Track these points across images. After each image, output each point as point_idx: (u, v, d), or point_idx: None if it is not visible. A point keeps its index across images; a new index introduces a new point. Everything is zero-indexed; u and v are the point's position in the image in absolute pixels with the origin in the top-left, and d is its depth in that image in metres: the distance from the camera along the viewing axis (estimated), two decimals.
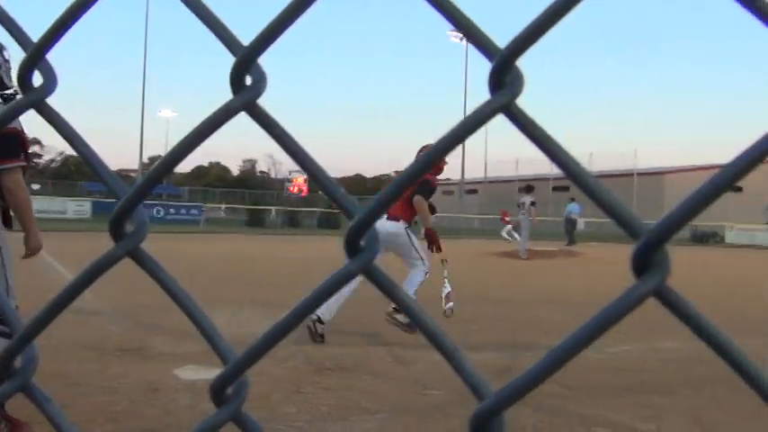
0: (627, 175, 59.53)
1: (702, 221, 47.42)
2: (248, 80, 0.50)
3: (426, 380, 4.82)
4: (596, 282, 12.31)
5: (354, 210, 0.47)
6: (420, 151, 5.69)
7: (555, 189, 54.88)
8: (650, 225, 0.40)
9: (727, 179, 0.40)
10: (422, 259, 6.49)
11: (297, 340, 5.83)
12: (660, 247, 0.40)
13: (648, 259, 0.40)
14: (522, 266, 17.06)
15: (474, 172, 75.53)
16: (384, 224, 6.07)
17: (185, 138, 0.50)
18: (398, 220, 6.33)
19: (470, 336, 6.56)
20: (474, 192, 73.09)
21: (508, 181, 65.79)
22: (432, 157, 0.45)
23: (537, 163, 54.57)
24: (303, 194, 60.32)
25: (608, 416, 4.16)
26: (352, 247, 0.46)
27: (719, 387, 4.61)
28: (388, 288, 0.48)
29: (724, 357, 0.40)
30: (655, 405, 4.33)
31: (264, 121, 0.50)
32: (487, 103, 0.44)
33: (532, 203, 20.62)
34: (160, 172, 0.53)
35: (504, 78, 0.43)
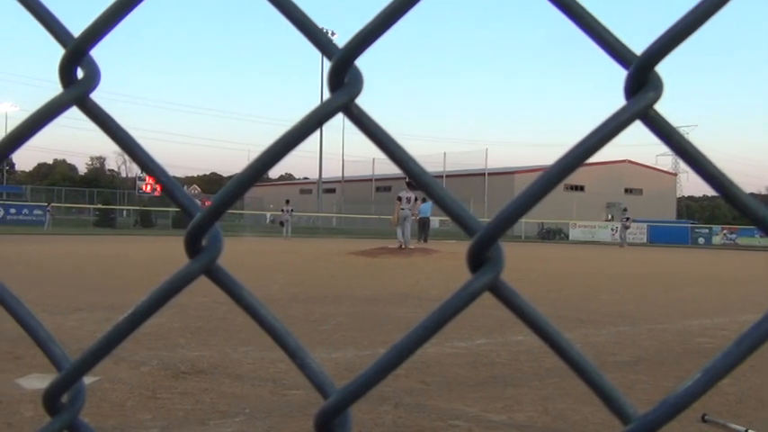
0: (478, 174, 61.73)
1: (548, 219, 49.92)
2: (80, 73, 0.47)
3: (286, 380, 4.78)
4: (452, 278, 12.67)
5: (194, 209, 0.46)
6: None
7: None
8: (484, 222, 0.42)
9: (551, 180, 0.42)
10: None
11: (151, 345, 5.63)
12: (493, 243, 0.42)
13: (483, 255, 0.42)
14: (378, 264, 17.28)
15: (332, 171, 75.84)
16: None
17: (7, 135, 0.47)
18: None
19: (332, 334, 6.59)
20: (332, 191, 73.39)
21: (366, 180, 66.57)
22: (268, 159, 0.44)
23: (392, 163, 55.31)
24: (157, 193, 58.32)
25: (464, 409, 4.29)
26: (192, 247, 0.45)
27: (566, 377, 4.86)
28: (231, 288, 0.47)
29: (552, 348, 0.42)
30: (507, 396, 4.50)
31: (97, 117, 0.48)
32: (327, 103, 0.44)
33: (416, 199, 21.75)
34: None
35: (343, 78, 0.44)
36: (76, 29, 0.49)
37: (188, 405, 4.19)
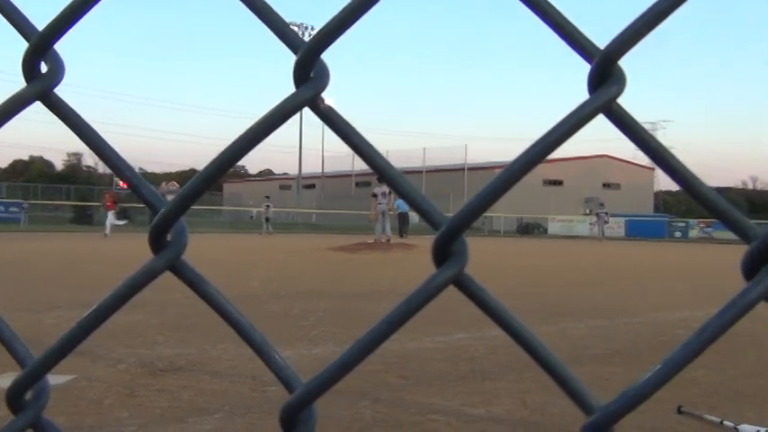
0: (458, 169, 61.87)
1: (527, 214, 50.18)
2: (44, 68, 0.46)
3: (266, 377, 4.77)
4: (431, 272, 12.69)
5: (159, 205, 0.46)
6: None
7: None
8: (449, 217, 0.42)
9: (513, 174, 0.42)
10: None
11: (129, 343, 5.59)
12: (458, 237, 0.42)
13: (447, 249, 0.42)
14: (358, 260, 17.29)
15: (311, 167, 75.71)
16: None
17: None
18: None
19: (311, 330, 6.58)
20: (311, 186, 73.24)
21: (345, 175, 66.48)
22: (233, 154, 0.44)
23: None
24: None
25: (443, 403, 4.30)
26: (157, 243, 0.45)
27: (542, 370, 4.90)
28: (196, 283, 0.47)
29: (517, 341, 0.42)
30: (486, 390, 4.53)
31: (61, 112, 0.47)
32: (292, 97, 0.43)
33: (390, 192, 22.04)
34: None
35: (309, 72, 0.44)
36: (41, 22, 0.49)
37: (165, 403, 4.17)
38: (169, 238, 0.46)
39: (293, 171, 67.69)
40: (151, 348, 5.61)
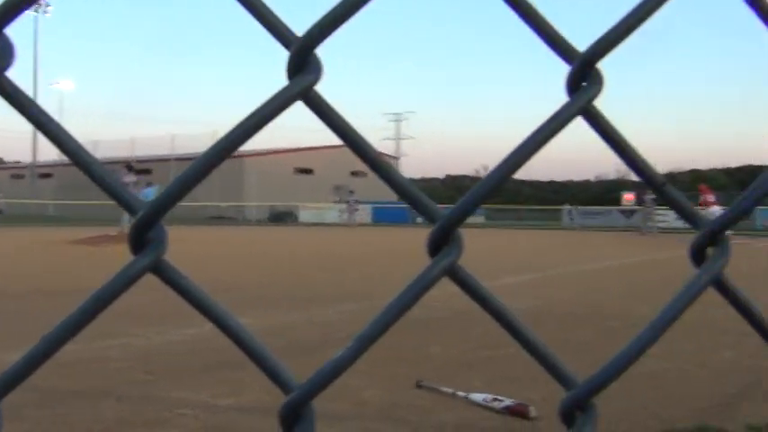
0: None
1: (279, 202, 50.60)
2: None
3: None
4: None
5: (138, 206, 0.43)
6: None
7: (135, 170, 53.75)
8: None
9: (503, 175, 0.49)
10: None
11: None
12: (453, 231, 0.44)
13: (442, 242, 0.44)
14: (101, 254, 16.35)
15: (49, 154, 69.96)
16: None
17: None
18: None
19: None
20: (49, 176, 67.71)
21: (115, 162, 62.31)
22: (224, 149, 0.43)
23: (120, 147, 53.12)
24: None
25: (191, 397, 4.23)
26: (138, 243, 0.43)
27: (291, 356, 5.01)
28: (179, 284, 0.44)
29: (504, 326, 0.46)
30: (234, 380, 4.50)
31: (15, 101, 0.43)
32: (285, 90, 0.44)
33: (138, 183, 22.22)
34: None
35: (303, 66, 0.44)
36: None
37: None
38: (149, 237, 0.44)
39: (26, 158, 62.18)
40: None
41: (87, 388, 4.40)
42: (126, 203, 0.46)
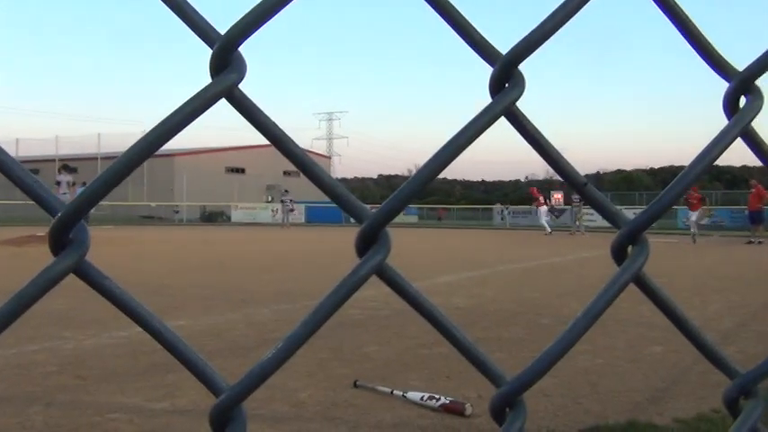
0: None
1: (210, 202, 49.88)
2: None
3: None
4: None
5: (58, 206, 0.42)
6: None
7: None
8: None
9: (431, 174, 0.44)
10: None
11: None
12: (380, 230, 0.45)
13: (370, 241, 0.44)
14: (28, 255, 15.82)
15: None
16: None
17: None
18: None
19: None
20: None
21: (44, 161, 59.90)
22: (144, 149, 0.43)
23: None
24: None
25: (124, 401, 4.14)
26: (58, 244, 0.42)
27: (228, 356, 4.96)
28: (102, 284, 0.43)
29: (432, 324, 0.46)
30: (168, 383, 4.42)
31: None
32: (207, 88, 0.44)
33: (74, 183, 20.87)
34: None
35: (226, 64, 0.44)
36: None
37: None
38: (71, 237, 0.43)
39: None
40: None
41: (14, 394, 4.26)
42: (45, 204, 0.45)
